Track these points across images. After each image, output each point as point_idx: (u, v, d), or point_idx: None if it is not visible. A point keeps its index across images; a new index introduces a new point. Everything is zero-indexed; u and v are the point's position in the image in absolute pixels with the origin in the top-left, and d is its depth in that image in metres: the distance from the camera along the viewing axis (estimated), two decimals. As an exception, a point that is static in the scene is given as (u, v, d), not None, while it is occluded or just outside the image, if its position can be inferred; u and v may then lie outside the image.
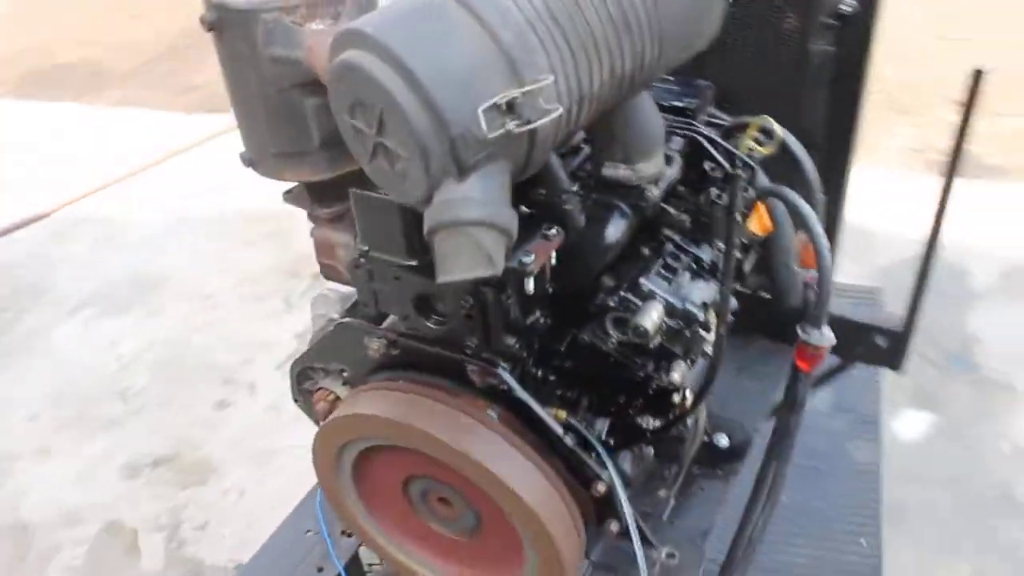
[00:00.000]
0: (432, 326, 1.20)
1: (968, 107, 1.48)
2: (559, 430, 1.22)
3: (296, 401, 1.49)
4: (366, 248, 1.18)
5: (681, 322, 1.21)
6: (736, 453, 1.66)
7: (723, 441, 1.65)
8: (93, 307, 3.60)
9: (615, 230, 1.19)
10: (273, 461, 2.89)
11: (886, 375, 2.89)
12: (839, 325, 1.36)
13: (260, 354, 3.31)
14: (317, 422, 1.49)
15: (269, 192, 4.34)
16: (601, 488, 1.24)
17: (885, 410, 2.79)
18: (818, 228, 1.29)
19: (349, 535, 1.61)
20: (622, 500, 1.24)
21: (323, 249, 1.29)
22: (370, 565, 1.80)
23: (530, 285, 1.10)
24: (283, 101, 1.11)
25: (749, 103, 1.45)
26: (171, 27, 6.41)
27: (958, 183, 1.55)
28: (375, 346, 1.27)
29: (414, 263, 1.15)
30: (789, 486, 1.54)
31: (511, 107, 0.84)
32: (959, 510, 2.53)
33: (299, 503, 1.72)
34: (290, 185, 1.32)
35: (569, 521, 1.24)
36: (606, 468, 1.24)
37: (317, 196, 1.24)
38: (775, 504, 1.39)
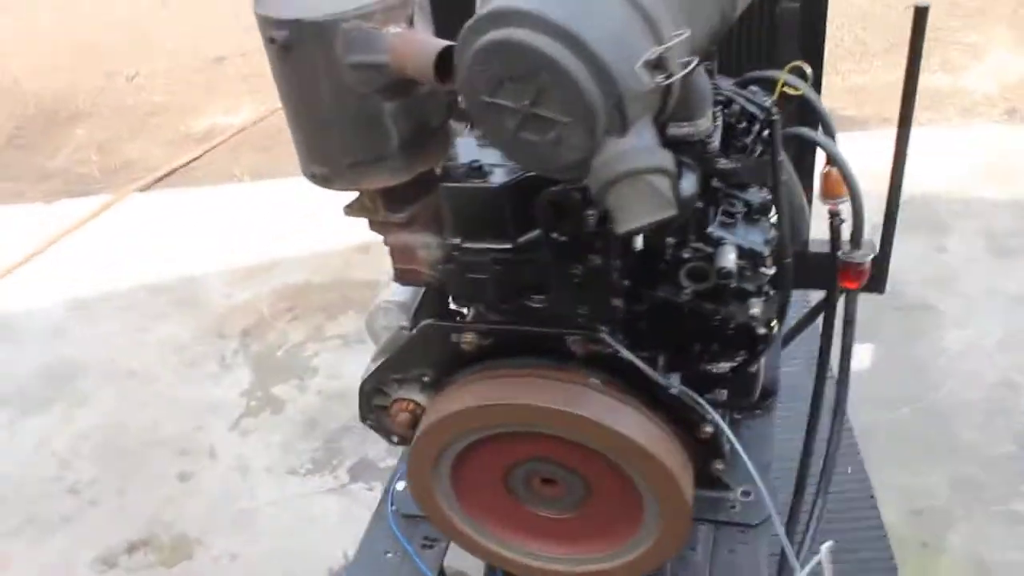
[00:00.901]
0: (535, 305, 1.24)
1: (914, 44, 1.62)
2: (664, 382, 1.29)
3: (366, 421, 1.48)
4: (458, 241, 1.21)
5: (749, 261, 1.30)
6: (769, 391, 1.77)
7: (755, 383, 1.75)
8: (10, 408, 3.36)
9: (690, 184, 1.26)
10: (256, 521, 2.80)
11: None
12: (825, 260, 1.49)
13: (210, 418, 3.19)
14: (392, 437, 1.49)
15: (167, 261, 4.14)
16: (708, 429, 1.31)
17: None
18: (843, 158, 1.41)
19: (430, 547, 1.61)
20: (730, 437, 1.32)
21: (401, 254, 1.29)
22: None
23: (639, 243, 1.16)
24: (361, 108, 1.12)
25: (731, 61, 1.58)
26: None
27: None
28: (468, 339, 1.29)
29: (510, 246, 1.19)
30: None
31: (659, 63, 0.90)
32: (920, 423, 2.75)
33: (364, 533, 1.69)
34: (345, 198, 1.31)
35: (685, 463, 1.30)
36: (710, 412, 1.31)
37: (390, 202, 1.25)
38: (843, 416, 1.50)
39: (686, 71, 0.93)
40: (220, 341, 3.56)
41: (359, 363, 3.26)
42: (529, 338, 1.29)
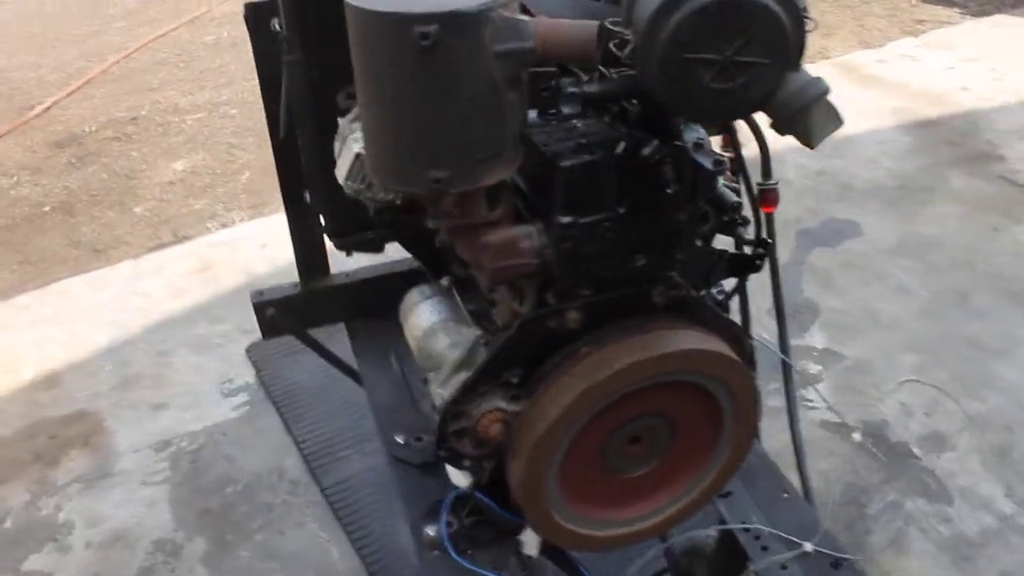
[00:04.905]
0: (639, 264, 1.33)
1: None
2: (723, 313, 1.47)
3: (441, 454, 1.42)
4: (569, 219, 1.26)
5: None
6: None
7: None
8: None
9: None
10: None
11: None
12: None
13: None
14: (464, 461, 1.45)
15: None
16: (752, 343, 1.53)
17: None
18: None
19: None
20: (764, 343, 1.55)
21: (504, 250, 1.27)
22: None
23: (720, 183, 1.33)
24: (495, 101, 1.12)
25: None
26: None
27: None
28: (574, 317, 1.34)
29: (622, 212, 1.29)
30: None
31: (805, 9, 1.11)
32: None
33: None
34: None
35: None
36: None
37: (492, 199, 1.25)
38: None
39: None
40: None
41: (116, 500, 2.87)
42: (616, 303, 1.38)
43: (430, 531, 1.61)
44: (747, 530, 1.63)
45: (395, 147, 1.17)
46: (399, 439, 1.82)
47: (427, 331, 1.43)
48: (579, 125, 1.31)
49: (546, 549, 1.60)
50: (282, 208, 4.42)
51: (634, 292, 1.37)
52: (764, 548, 1.59)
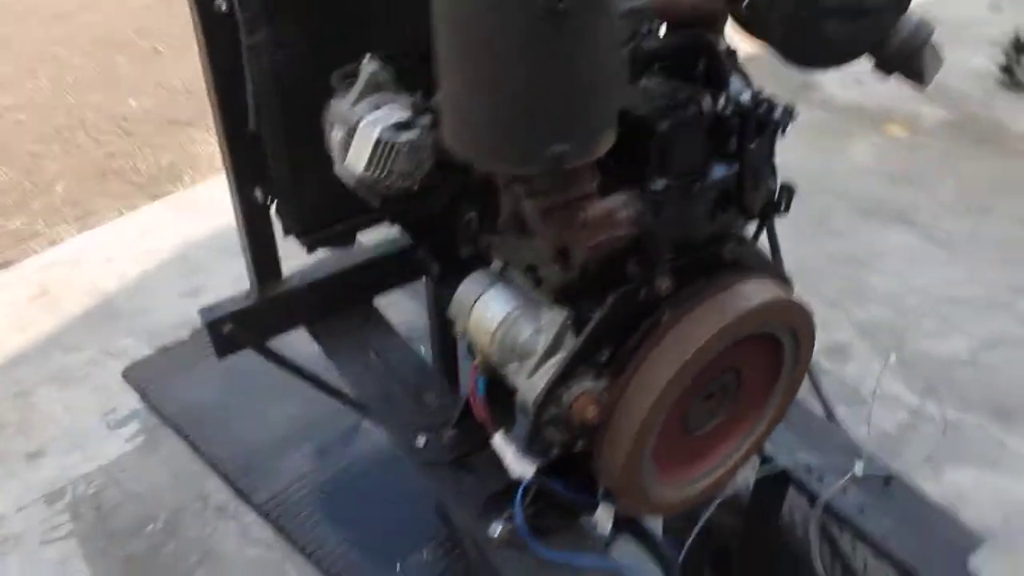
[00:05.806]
0: (719, 221, 1.30)
1: None
2: (772, 264, 1.48)
3: (534, 449, 1.33)
4: (665, 183, 1.21)
5: None
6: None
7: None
8: None
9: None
10: None
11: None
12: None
13: None
14: (552, 451, 1.37)
15: None
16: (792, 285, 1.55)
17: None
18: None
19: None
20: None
21: (599, 225, 1.19)
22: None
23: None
24: (616, 64, 1.03)
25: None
26: None
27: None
28: (665, 285, 1.29)
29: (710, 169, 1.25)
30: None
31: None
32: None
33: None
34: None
35: None
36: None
37: (594, 169, 1.16)
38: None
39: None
40: None
41: (16, 568, 2.57)
42: (697, 264, 1.34)
43: (494, 531, 1.52)
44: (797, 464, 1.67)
45: (508, 124, 1.05)
46: (419, 442, 1.70)
47: (505, 321, 1.31)
48: (649, 83, 1.25)
49: (618, 524, 1.56)
50: (116, 217, 4.08)
51: (712, 251, 1.34)
52: (820, 479, 1.64)
